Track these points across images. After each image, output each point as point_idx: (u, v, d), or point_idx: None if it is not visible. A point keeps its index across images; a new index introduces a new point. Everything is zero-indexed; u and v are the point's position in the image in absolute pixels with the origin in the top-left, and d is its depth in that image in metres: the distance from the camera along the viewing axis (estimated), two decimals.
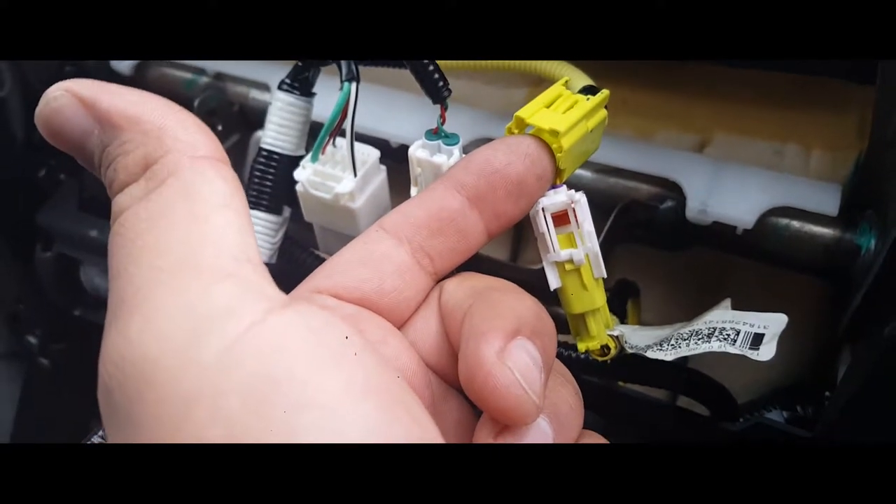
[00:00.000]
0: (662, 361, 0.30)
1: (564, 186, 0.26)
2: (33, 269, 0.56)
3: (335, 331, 0.19)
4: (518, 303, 0.22)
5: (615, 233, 0.40)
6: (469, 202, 0.24)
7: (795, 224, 0.38)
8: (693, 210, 0.38)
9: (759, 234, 0.38)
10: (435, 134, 0.32)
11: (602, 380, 0.39)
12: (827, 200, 0.37)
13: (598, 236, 0.38)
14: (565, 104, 0.27)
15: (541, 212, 0.26)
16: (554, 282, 0.27)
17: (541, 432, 0.21)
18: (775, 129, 0.41)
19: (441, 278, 0.25)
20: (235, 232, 0.20)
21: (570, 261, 0.26)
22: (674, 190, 0.39)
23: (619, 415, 0.41)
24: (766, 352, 0.26)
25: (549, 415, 0.22)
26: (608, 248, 0.40)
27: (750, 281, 0.44)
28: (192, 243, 0.19)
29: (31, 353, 0.60)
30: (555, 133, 0.25)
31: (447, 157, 0.32)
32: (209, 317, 0.18)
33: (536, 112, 0.26)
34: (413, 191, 0.32)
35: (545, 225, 0.26)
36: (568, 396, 0.23)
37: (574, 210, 0.26)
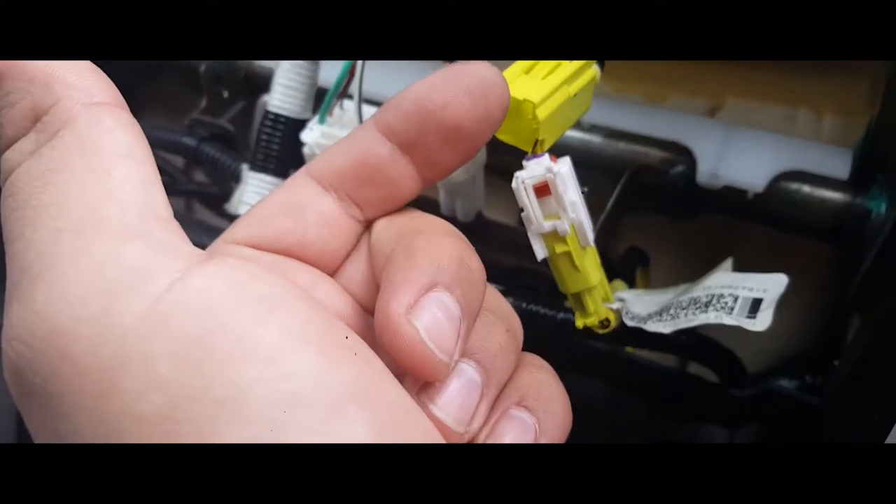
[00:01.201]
0: None
1: (546, 156, 0.25)
2: None
3: (262, 281, 0.18)
4: (440, 249, 0.20)
5: (625, 199, 0.39)
6: (399, 148, 0.22)
7: (806, 188, 0.38)
8: (704, 174, 0.37)
9: (770, 199, 0.38)
10: None
11: (610, 346, 0.39)
12: (838, 165, 0.37)
13: (608, 202, 0.39)
14: (546, 68, 0.26)
15: (521, 185, 0.25)
16: (540, 252, 0.26)
17: (466, 378, 0.20)
18: (787, 94, 0.41)
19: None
20: (139, 185, 0.18)
21: (555, 231, 0.26)
22: (685, 154, 0.39)
23: (628, 382, 0.41)
24: (763, 320, 0.26)
25: (478, 358, 0.21)
26: (618, 214, 0.40)
27: (760, 250, 0.44)
28: (93, 200, 0.18)
29: None
30: (530, 104, 0.24)
31: None
32: (122, 279, 0.17)
33: (514, 80, 0.25)
34: None
35: (526, 198, 0.25)
36: (498, 336, 0.21)
37: (554, 182, 0.25)
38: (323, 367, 0.17)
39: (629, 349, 0.41)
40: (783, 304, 0.27)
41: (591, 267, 0.27)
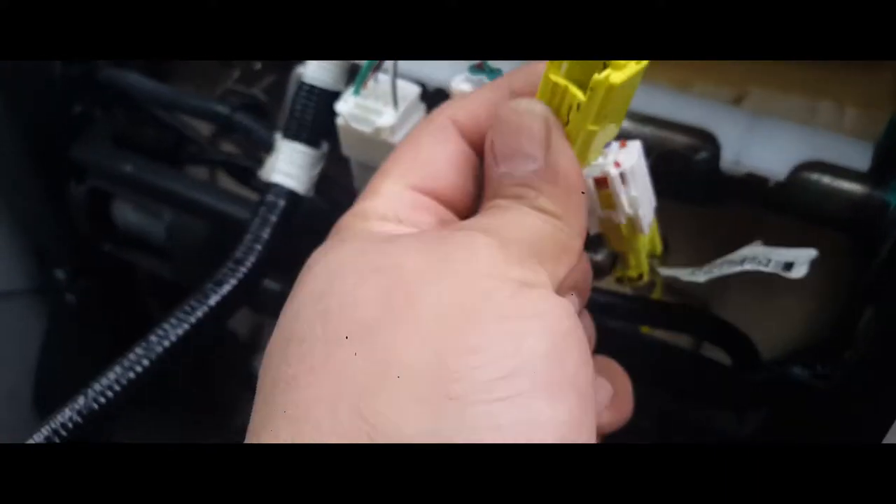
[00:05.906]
0: (686, 308, 0.31)
1: (615, 145, 0.26)
2: (64, 204, 0.56)
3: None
4: None
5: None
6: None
7: (826, 179, 0.38)
8: (727, 161, 0.38)
9: (791, 188, 0.38)
10: (479, 69, 0.33)
11: (626, 325, 0.40)
12: (859, 157, 0.38)
13: None
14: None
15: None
16: (592, 228, 0.27)
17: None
18: (810, 85, 0.42)
19: None
20: None
21: (609, 217, 0.27)
22: (709, 141, 0.39)
23: (643, 362, 0.41)
24: (798, 272, 0.27)
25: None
26: None
27: (778, 239, 0.44)
28: None
29: (58, 288, 0.61)
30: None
31: None
32: None
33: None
34: None
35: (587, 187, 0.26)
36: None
37: (612, 183, 0.26)
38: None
39: (644, 329, 0.41)
40: (799, 294, 0.28)
41: (639, 242, 0.28)
